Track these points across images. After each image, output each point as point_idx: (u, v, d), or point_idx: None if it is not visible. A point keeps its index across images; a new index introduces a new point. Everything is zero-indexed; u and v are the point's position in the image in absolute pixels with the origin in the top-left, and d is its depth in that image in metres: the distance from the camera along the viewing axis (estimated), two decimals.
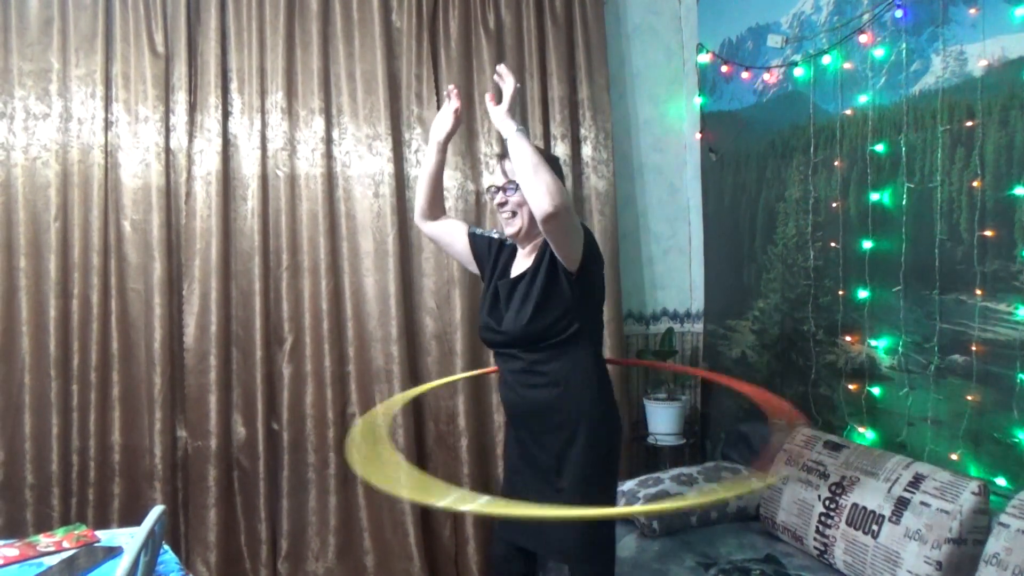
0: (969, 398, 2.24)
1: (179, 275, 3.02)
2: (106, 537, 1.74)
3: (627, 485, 2.76)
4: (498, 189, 2.05)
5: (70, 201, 2.90)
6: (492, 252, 2.17)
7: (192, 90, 3.01)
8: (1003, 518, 1.88)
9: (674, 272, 3.67)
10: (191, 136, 3.01)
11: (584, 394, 1.95)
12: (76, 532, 1.71)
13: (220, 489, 2.98)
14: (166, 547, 1.71)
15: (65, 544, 1.65)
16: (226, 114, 3.04)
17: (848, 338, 2.71)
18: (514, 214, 2.02)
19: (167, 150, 2.99)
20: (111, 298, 2.94)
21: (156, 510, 1.39)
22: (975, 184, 2.19)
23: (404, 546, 3.10)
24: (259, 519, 3.03)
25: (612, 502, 2.05)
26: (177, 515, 3.01)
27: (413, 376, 3.17)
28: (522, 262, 2.08)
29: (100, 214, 2.92)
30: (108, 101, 2.94)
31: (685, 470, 2.82)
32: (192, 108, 3.01)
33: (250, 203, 3.06)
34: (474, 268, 2.23)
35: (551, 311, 1.93)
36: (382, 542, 3.11)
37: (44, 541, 1.66)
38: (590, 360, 1.98)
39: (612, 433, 2.00)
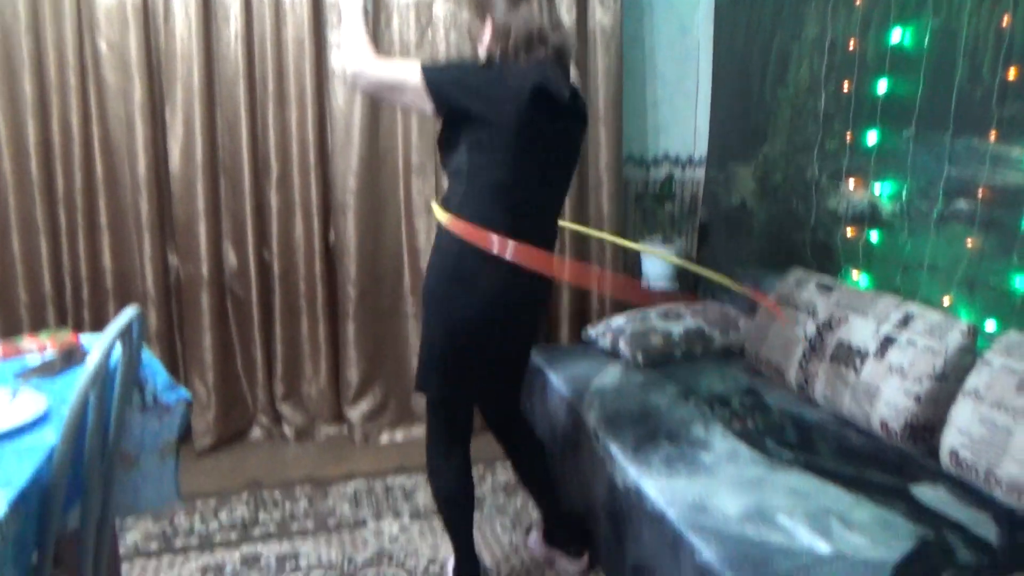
0: (969, 244, 2.19)
1: (161, 100, 2.89)
2: (89, 342, 1.73)
3: (615, 322, 2.78)
4: None
5: (41, 16, 2.74)
6: None
7: None
8: (987, 356, 1.87)
9: (679, 115, 3.52)
10: None
11: None
12: (60, 335, 1.71)
13: (214, 315, 3.01)
14: (156, 360, 1.71)
15: (48, 346, 1.65)
16: None
17: (852, 184, 2.63)
18: None
19: None
20: (92, 122, 2.84)
21: (129, 310, 1.36)
22: (1003, 21, 2.04)
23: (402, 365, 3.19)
24: (254, 344, 3.09)
25: None
26: (173, 338, 3.07)
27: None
28: None
29: (74, 31, 2.76)
30: None
31: (673, 307, 2.82)
32: None
33: (233, 26, 2.89)
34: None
35: None
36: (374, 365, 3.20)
37: (28, 342, 1.67)
38: None
39: None
